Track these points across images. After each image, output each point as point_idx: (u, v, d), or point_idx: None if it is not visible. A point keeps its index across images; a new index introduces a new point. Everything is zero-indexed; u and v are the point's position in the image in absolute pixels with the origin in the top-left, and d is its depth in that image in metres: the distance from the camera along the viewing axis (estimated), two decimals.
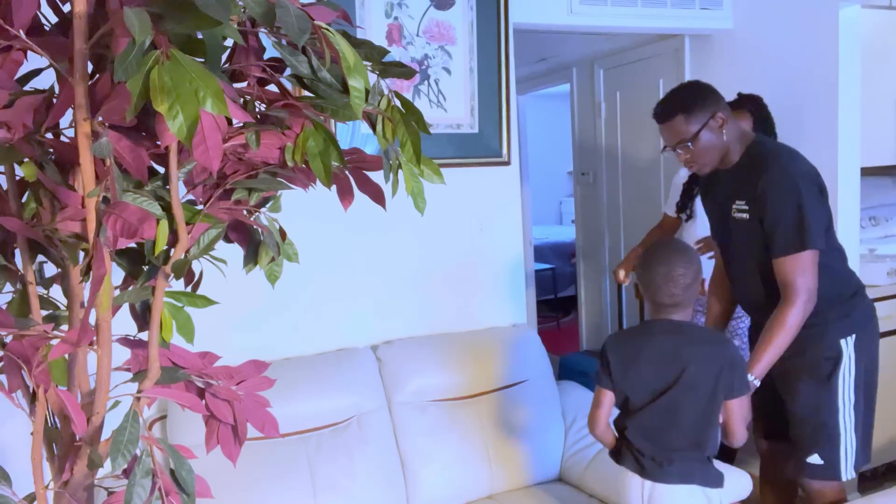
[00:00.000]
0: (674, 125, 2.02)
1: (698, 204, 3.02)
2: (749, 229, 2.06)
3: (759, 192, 2.00)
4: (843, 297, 2.10)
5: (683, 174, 3.16)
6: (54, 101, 0.92)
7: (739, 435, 1.75)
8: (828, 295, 2.01)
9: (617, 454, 1.85)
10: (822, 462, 2.10)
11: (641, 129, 3.93)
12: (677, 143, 2.03)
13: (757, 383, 1.95)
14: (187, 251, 1.01)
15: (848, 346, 2.06)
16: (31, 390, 1.02)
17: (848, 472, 2.10)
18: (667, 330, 1.78)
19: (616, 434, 1.87)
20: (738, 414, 1.74)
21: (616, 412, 1.88)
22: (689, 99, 2.05)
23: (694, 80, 2.18)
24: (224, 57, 0.98)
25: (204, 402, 1.05)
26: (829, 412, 2.08)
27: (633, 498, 1.78)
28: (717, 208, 2.22)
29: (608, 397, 1.83)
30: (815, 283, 1.97)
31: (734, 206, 2.10)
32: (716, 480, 1.76)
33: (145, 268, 1.04)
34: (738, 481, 2.21)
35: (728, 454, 2.65)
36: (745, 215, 2.07)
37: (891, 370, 3.16)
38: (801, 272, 1.95)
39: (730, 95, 3.32)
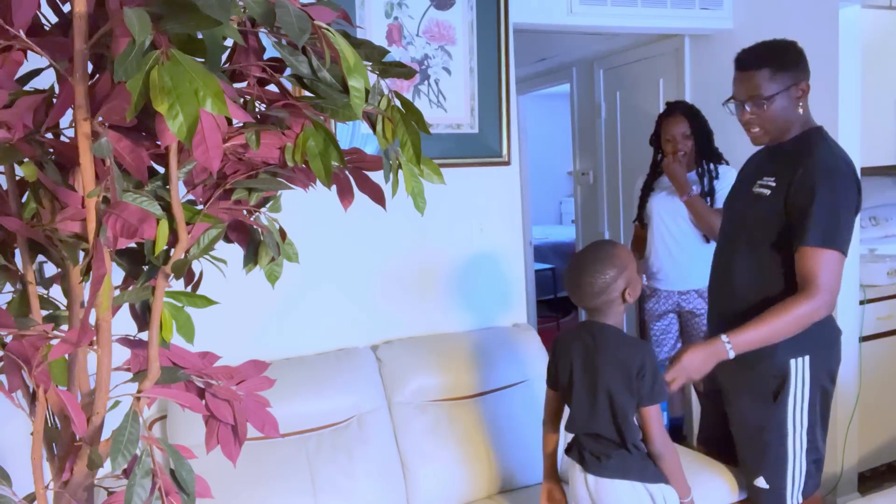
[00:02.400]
0: (756, 76, 1.86)
1: (652, 209, 3.11)
2: (765, 205, 1.92)
3: (801, 173, 1.84)
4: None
5: (640, 183, 3.26)
6: (54, 101, 0.92)
7: (659, 442, 1.71)
8: None
9: (568, 448, 1.88)
10: (767, 486, 1.99)
11: (641, 129, 3.93)
12: (751, 97, 1.88)
13: (732, 354, 1.84)
14: (187, 251, 1.01)
15: (799, 366, 1.91)
16: (31, 390, 1.02)
17: (794, 498, 1.98)
18: (588, 332, 1.78)
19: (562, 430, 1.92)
20: (653, 421, 1.70)
21: None
22: (783, 56, 1.89)
23: (792, 41, 1.95)
24: (224, 57, 0.98)
25: (204, 402, 1.05)
26: (777, 434, 1.95)
27: (580, 489, 1.80)
28: (739, 187, 2.09)
29: (550, 395, 1.92)
30: (838, 286, 1.83)
31: (759, 181, 1.96)
32: (654, 476, 1.73)
33: (145, 268, 1.04)
34: (731, 482, 2.20)
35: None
36: (767, 191, 1.91)
37: (891, 370, 3.17)
38: (826, 269, 1.79)
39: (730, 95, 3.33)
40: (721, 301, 2.08)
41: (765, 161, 2.01)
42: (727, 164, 3.04)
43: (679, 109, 3.04)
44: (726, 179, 2.91)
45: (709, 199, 2.95)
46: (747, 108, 1.90)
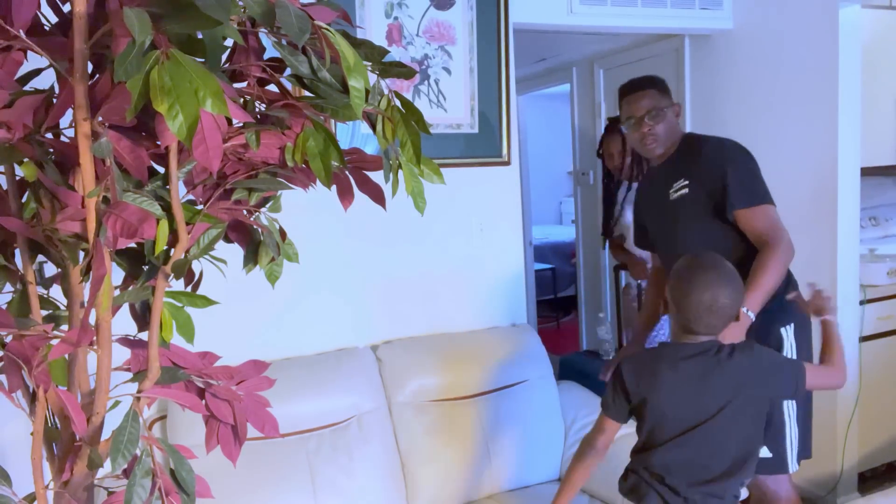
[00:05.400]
0: (648, 94, 2.19)
1: (628, 220, 3.18)
2: (689, 201, 2.16)
3: (703, 162, 2.14)
4: (780, 287, 2.11)
5: (597, 197, 3.36)
6: (54, 101, 0.92)
7: (837, 381, 1.71)
8: None
9: (634, 491, 1.64)
10: (770, 455, 2.10)
11: None
12: (649, 111, 2.18)
13: (752, 316, 1.96)
14: (187, 251, 1.01)
15: (788, 334, 2.12)
16: (31, 390, 1.02)
17: (792, 464, 2.14)
18: (693, 353, 1.62)
19: (631, 468, 1.69)
20: (817, 380, 1.67)
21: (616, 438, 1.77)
22: (659, 82, 2.25)
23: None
24: (224, 57, 0.98)
25: (204, 402, 1.05)
26: (774, 403, 2.11)
27: None
28: (652, 202, 2.32)
29: (613, 428, 1.72)
30: (787, 232, 2.05)
31: (671, 191, 2.21)
32: None
33: (145, 268, 1.04)
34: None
35: None
36: (686, 191, 2.17)
37: (891, 370, 3.17)
38: (769, 220, 2.05)
39: (730, 95, 3.34)
40: None
41: (664, 173, 2.26)
42: None
43: (617, 127, 3.09)
44: None
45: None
46: (647, 121, 2.18)
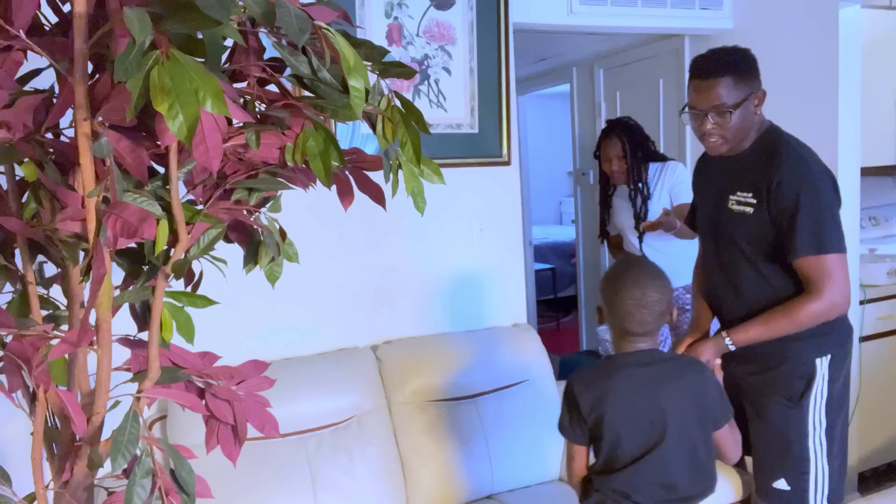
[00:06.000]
0: (719, 85, 1.80)
1: (623, 225, 3.14)
2: (751, 223, 1.90)
3: (776, 185, 1.82)
4: None
5: (596, 198, 3.34)
6: (54, 101, 0.92)
7: (734, 455, 1.70)
8: None
9: None
10: (788, 488, 1.95)
11: None
12: (715, 106, 1.82)
13: (732, 347, 1.88)
14: (187, 251, 1.01)
15: (822, 365, 1.91)
16: (31, 390, 1.02)
17: (818, 502, 1.95)
18: (640, 363, 1.63)
19: (594, 487, 1.66)
20: (728, 439, 1.67)
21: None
22: (742, 64, 1.85)
23: (745, 47, 1.91)
24: (224, 57, 0.98)
25: (204, 402, 1.05)
26: (798, 434, 1.93)
27: None
28: (711, 198, 2.04)
29: (582, 451, 1.70)
30: (846, 283, 1.82)
31: (733, 198, 1.93)
32: None
33: (145, 268, 1.04)
34: (734, 482, 2.21)
35: None
36: (749, 209, 1.89)
37: (891, 370, 3.17)
38: (828, 273, 1.79)
39: None
40: (729, 310, 2.03)
41: (732, 172, 1.97)
42: (671, 160, 3.11)
43: (614, 130, 3.09)
44: (675, 175, 3.00)
45: (643, 208, 3.04)
46: (710, 118, 1.84)
